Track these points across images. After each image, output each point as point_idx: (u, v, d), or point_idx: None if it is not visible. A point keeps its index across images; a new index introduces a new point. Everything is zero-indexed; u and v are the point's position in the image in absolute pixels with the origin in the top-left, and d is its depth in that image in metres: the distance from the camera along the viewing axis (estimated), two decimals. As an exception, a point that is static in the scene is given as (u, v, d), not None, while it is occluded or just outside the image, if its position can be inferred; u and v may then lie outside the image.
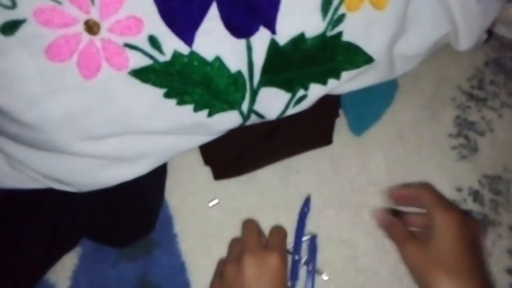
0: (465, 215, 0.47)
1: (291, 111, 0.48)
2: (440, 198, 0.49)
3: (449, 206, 0.48)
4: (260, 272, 0.44)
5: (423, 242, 0.46)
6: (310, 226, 0.54)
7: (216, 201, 0.54)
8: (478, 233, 0.48)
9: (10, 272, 0.48)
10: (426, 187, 0.52)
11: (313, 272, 0.52)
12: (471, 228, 0.46)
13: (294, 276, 0.52)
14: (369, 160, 0.57)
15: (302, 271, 0.52)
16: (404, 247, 0.47)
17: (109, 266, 0.52)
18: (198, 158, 0.55)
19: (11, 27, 0.34)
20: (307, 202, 0.54)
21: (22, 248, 0.48)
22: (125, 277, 0.52)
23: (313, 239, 0.53)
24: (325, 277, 0.52)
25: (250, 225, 0.51)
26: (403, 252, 0.47)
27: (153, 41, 0.38)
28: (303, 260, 0.52)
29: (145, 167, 0.47)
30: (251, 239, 0.48)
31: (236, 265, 0.45)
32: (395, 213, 0.52)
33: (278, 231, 0.50)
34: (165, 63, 0.39)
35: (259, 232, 0.50)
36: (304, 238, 0.53)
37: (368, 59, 0.45)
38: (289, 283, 0.51)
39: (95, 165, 0.45)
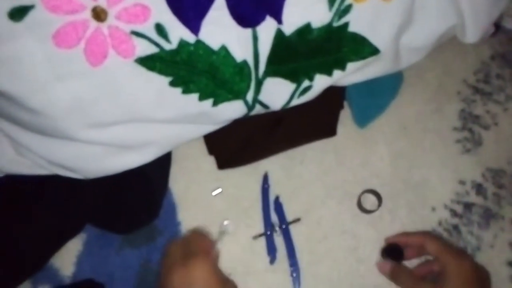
0: (476, 262, 0.49)
1: (296, 101, 0.48)
2: (450, 246, 0.49)
3: (461, 253, 0.49)
4: (189, 283, 0.41)
5: (435, 285, 0.46)
6: (313, 216, 0.54)
7: (219, 190, 0.55)
8: (488, 277, 0.49)
9: (15, 257, 0.49)
10: (431, 235, 0.52)
11: (287, 230, 0.53)
12: (483, 275, 0.48)
13: (272, 250, 0.53)
14: (373, 152, 0.57)
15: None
16: None
17: (113, 253, 0.53)
18: (202, 148, 0.55)
19: (20, 12, 0.34)
20: (266, 179, 0.55)
21: (27, 233, 0.49)
22: (129, 263, 0.53)
23: (276, 199, 0.54)
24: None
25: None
26: None
27: (160, 29, 0.38)
28: (277, 229, 0.53)
29: (150, 155, 0.48)
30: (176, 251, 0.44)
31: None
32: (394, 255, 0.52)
33: (197, 237, 0.48)
34: (171, 51, 0.39)
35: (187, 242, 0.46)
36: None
37: (374, 51, 0.45)
38: (269, 258, 0.53)
39: (100, 152, 0.45)
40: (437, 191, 0.56)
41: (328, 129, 0.57)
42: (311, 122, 0.55)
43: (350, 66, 0.46)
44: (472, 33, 0.48)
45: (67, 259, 0.53)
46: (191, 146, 0.55)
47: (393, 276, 0.50)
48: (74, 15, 0.35)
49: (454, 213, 0.55)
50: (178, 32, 0.38)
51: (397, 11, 0.43)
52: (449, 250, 0.48)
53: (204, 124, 0.48)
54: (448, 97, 0.59)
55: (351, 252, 0.53)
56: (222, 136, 0.51)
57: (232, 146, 0.54)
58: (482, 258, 0.54)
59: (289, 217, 0.54)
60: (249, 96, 0.45)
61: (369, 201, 0.55)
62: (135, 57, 0.39)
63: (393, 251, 0.52)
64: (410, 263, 0.52)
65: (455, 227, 0.55)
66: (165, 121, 0.45)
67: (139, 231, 0.53)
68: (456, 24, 0.48)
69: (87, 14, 0.36)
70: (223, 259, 0.52)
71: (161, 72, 0.40)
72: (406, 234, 0.53)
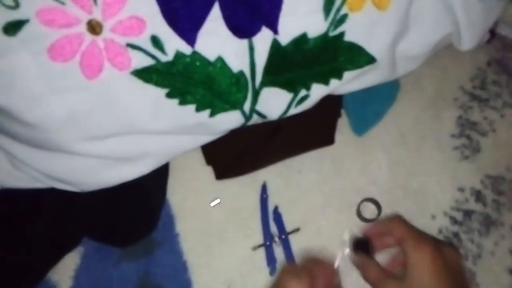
0: (439, 243, 0.45)
1: (293, 111, 0.48)
2: (411, 230, 0.46)
3: (421, 238, 0.45)
4: None
5: (400, 281, 0.44)
6: (312, 225, 0.54)
7: (217, 200, 0.54)
8: (457, 259, 0.45)
9: (12, 271, 0.48)
10: (397, 219, 0.50)
11: (286, 240, 0.53)
12: (448, 257, 0.44)
13: (271, 261, 0.52)
14: (371, 160, 0.57)
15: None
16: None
17: (111, 266, 0.52)
18: (200, 158, 0.55)
19: (14, 27, 0.34)
20: (264, 189, 0.54)
21: (24, 247, 0.48)
22: (127, 276, 0.52)
23: (275, 209, 0.54)
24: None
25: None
26: None
27: (156, 41, 0.38)
28: (276, 240, 0.53)
29: (147, 167, 0.47)
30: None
31: None
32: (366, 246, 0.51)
33: (324, 270, 0.48)
34: (168, 63, 0.39)
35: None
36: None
37: (370, 59, 0.45)
38: (268, 269, 0.52)
39: (97, 165, 0.45)
40: (436, 199, 0.56)
41: (325, 138, 0.56)
42: (308, 131, 0.55)
43: (347, 75, 0.46)
44: (467, 41, 0.48)
45: (64, 273, 0.52)
46: (188, 157, 0.55)
47: (362, 268, 0.49)
48: (69, 28, 0.35)
49: (454, 221, 0.55)
50: (174, 44, 0.38)
51: (393, 19, 0.44)
52: (409, 238, 0.45)
53: (201, 135, 0.48)
54: (445, 104, 0.59)
55: (350, 262, 0.53)
56: (220, 146, 0.51)
57: (229, 156, 0.54)
58: (483, 266, 0.53)
59: (288, 227, 0.54)
60: (246, 106, 0.45)
61: (369, 209, 0.55)
62: (131, 69, 0.39)
63: (360, 244, 0.51)
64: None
65: (456, 235, 0.54)
66: (161, 133, 0.45)
67: (137, 244, 0.53)
68: (452, 32, 0.48)
69: (82, 28, 0.36)
70: (222, 270, 0.52)
71: (158, 84, 0.40)
72: (377, 223, 0.52)
